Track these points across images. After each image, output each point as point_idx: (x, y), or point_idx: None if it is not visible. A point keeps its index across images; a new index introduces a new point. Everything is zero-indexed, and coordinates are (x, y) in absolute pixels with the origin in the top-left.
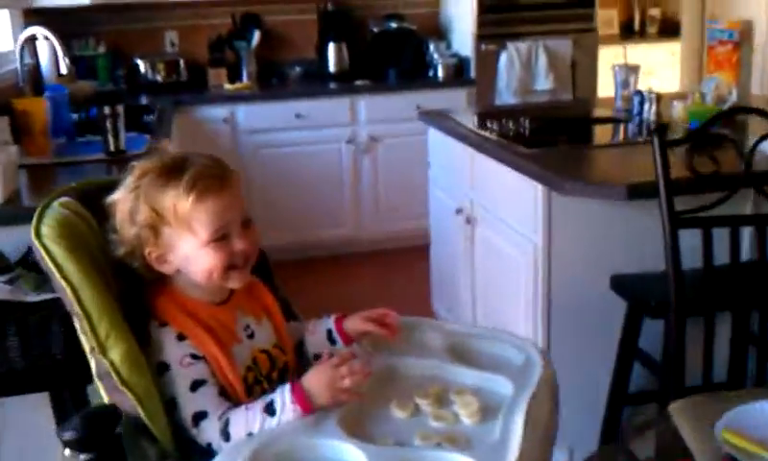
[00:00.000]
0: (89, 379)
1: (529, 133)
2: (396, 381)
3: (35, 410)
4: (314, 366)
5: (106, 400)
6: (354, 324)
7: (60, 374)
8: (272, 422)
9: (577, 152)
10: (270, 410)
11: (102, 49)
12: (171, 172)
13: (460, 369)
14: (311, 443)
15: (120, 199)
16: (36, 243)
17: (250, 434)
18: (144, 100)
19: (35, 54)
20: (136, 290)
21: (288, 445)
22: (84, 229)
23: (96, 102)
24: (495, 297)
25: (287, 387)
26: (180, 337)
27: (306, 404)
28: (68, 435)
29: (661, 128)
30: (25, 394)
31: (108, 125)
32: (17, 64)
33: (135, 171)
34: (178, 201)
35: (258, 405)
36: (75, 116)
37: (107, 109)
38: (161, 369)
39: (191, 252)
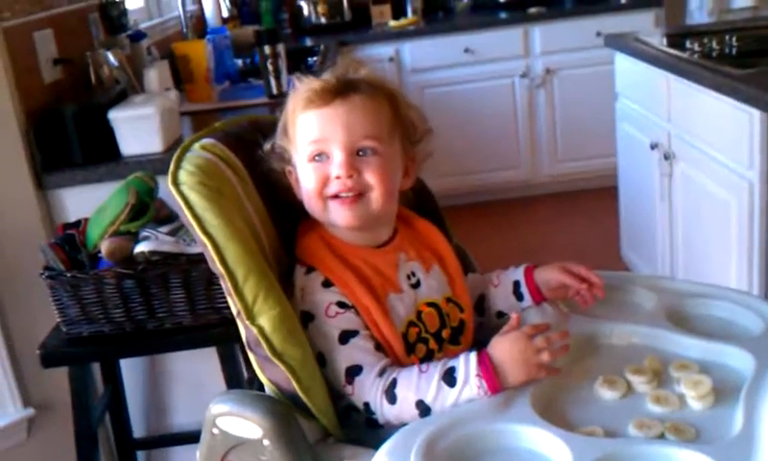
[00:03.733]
0: None
1: (737, 52)
2: (600, 353)
3: (203, 363)
4: (501, 334)
5: (258, 373)
6: (549, 274)
7: (226, 329)
8: (448, 394)
9: None
10: (449, 379)
11: None
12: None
13: (682, 337)
14: (498, 429)
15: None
16: (174, 192)
17: (420, 402)
18: (308, 42)
19: (198, 1)
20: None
21: (470, 431)
22: (229, 175)
23: (257, 44)
24: (699, 243)
25: (473, 356)
26: (327, 284)
27: (494, 381)
28: None
29: None
30: (192, 349)
31: (269, 66)
32: (180, 11)
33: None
34: (292, 111)
35: (436, 370)
36: (239, 62)
37: (266, 50)
38: (305, 319)
39: (300, 169)
